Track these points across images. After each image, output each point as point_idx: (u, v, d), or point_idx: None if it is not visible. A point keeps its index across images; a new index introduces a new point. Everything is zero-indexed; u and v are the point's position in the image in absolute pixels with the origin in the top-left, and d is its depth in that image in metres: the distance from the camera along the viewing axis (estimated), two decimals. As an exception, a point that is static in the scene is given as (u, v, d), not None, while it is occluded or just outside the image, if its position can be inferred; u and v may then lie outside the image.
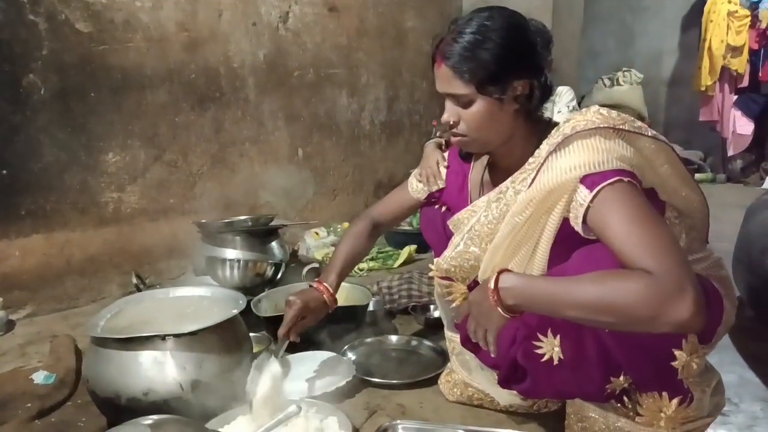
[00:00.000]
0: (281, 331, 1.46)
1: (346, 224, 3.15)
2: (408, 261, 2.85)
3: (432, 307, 2.12)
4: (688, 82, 5.70)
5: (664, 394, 1.15)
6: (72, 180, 2.26)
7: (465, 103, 1.21)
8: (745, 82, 5.32)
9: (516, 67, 1.19)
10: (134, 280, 2.13)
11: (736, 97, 5.39)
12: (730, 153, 5.46)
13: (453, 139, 1.29)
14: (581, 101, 6.26)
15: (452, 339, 1.55)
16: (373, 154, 3.46)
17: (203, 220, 2.25)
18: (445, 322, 1.60)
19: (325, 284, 1.53)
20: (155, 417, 1.15)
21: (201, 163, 2.62)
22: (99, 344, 1.39)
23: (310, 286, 1.55)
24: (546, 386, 1.27)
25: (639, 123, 1.12)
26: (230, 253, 2.11)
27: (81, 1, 2.21)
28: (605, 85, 6.16)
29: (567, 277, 1.04)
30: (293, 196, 3.05)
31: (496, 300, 1.07)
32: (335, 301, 1.54)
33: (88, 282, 2.31)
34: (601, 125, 1.08)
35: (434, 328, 2.00)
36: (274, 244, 2.29)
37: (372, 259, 2.82)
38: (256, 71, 2.79)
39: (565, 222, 1.12)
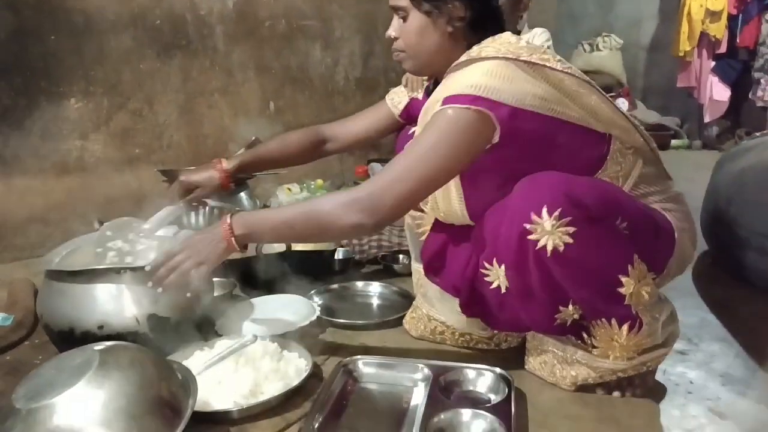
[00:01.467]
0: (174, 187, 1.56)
1: (320, 181, 3.12)
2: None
3: (401, 256, 2.11)
4: (668, 48, 5.68)
5: (613, 321, 1.16)
6: (32, 126, 2.19)
7: (404, 17, 1.27)
8: (723, 48, 5.32)
9: None
10: (96, 225, 2.08)
11: (714, 63, 5.40)
12: (707, 119, 5.48)
13: (393, 54, 1.33)
14: (561, 67, 6.25)
15: (418, 270, 1.58)
16: (348, 111, 3.34)
17: (169, 168, 2.20)
18: (413, 254, 1.62)
19: (223, 162, 1.57)
20: (108, 343, 1.13)
21: (168, 113, 2.56)
22: (53, 278, 1.37)
23: None
24: (499, 315, 1.28)
25: (547, 56, 1.17)
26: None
27: (37, -64, 2.12)
28: (585, 50, 6.12)
29: (282, 208, 1.24)
30: (264, 150, 3.00)
31: (228, 229, 1.17)
32: (227, 178, 1.58)
33: (51, 231, 2.26)
34: (507, 55, 1.14)
35: (403, 276, 2.00)
36: (242, 194, 2.27)
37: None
38: (224, 19, 2.72)
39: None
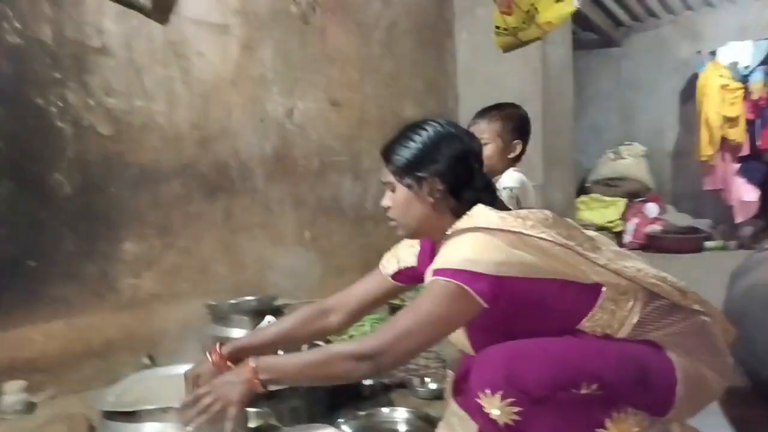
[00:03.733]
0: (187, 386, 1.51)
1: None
2: (411, 336, 2.93)
3: (428, 379, 2.20)
4: (691, 153, 5.85)
5: None
6: (92, 268, 2.45)
7: (392, 189, 1.42)
8: (746, 151, 5.46)
9: (429, 167, 1.37)
10: (145, 360, 2.27)
11: (738, 165, 5.51)
12: (738, 220, 5.51)
13: (389, 223, 1.48)
14: (587, 176, 6.45)
15: (451, 376, 1.68)
16: (379, 233, 3.62)
17: (212, 302, 2.40)
18: (448, 359, 1.74)
19: (219, 350, 1.53)
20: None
21: (212, 249, 2.81)
22: (108, 417, 1.52)
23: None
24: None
25: (517, 222, 1.27)
26: (236, 333, 2.24)
27: (103, 107, 2.48)
28: (610, 158, 6.34)
29: (301, 353, 1.36)
30: (301, 276, 3.19)
31: (252, 373, 1.29)
32: (225, 365, 1.51)
33: (105, 364, 2.45)
34: (479, 225, 1.28)
35: (429, 400, 2.09)
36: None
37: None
38: (263, 162, 3.02)
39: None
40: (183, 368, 1.78)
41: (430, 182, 1.38)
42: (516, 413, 1.19)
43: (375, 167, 3.61)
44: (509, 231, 1.26)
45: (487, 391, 1.21)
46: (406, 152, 1.38)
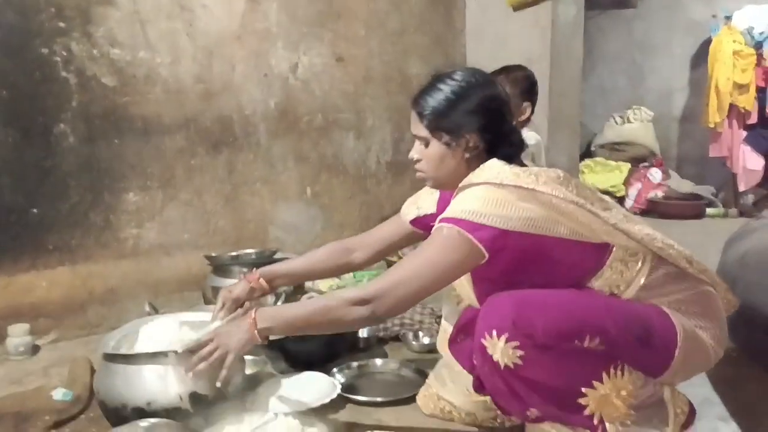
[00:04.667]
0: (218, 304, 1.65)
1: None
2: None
3: (421, 334, 2.26)
4: (698, 119, 5.79)
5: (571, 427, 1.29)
6: (96, 218, 2.49)
7: (425, 143, 1.41)
8: (754, 119, 5.39)
9: (468, 123, 1.36)
10: (147, 309, 2.32)
11: (745, 133, 5.46)
12: (741, 188, 5.49)
13: (417, 174, 1.47)
14: (593, 139, 6.41)
15: (445, 329, 1.72)
16: (380, 192, 3.65)
17: (213, 254, 2.45)
18: (443, 311, 1.76)
19: (255, 273, 1.69)
20: (152, 420, 1.32)
21: (214, 202, 2.84)
22: (109, 360, 1.58)
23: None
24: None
25: (531, 178, 1.28)
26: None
27: (107, 58, 2.48)
28: (616, 122, 6.28)
29: (303, 302, 1.37)
30: (302, 231, 3.24)
31: (252, 323, 1.35)
32: (263, 287, 1.68)
33: (107, 311, 2.52)
34: (494, 180, 1.28)
35: (422, 353, 2.15)
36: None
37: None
38: (267, 118, 3.02)
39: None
40: (183, 316, 1.85)
41: (467, 139, 1.37)
42: (518, 357, 1.23)
43: (379, 125, 3.62)
44: (521, 187, 1.26)
45: (494, 333, 1.25)
46: (443, 108, 1.37)
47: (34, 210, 2.34)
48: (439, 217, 1.33)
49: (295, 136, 3.16)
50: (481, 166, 1.35)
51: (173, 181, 2.70)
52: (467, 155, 1.39)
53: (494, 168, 1.32)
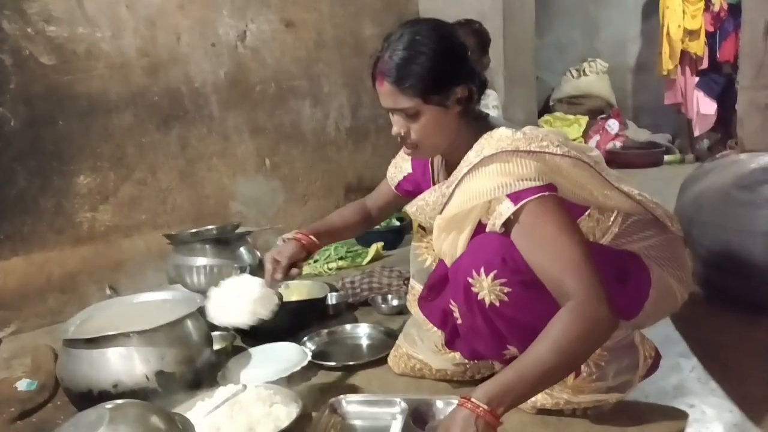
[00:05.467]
0: (269, 267, 1.54)
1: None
2: (376, 258, 2.99)
3: (390, 296, 2.27)
4: (652, 68, 5.86)
5: None
6: (46, 203, 2.41)
7: (412, 115, 1.29)
8: (705, 64, 5.48)
9: (452, 75, 1.29)
10: (108, 292, 2.27)
11: (697, 79, 5.56)
12: (696, 133, 5.61)
13: (405, 150, 1.39)
14: (551, 93, 6.46)
15: (413, 287, 1.72)
16: (341, 159, 3.61)
17: (172, 233, 2.40)
18: (411, 271, 1.74)
19: (300, 233, 1.61)
20: (118, 401, 1.29)
21: (170, 179, 2.77)
22: (70, 345, 1.55)
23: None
24: (465, 345, 1.44)
25: (545, 143, 1.24)
26: (197, 261, 2.26)
27: (43, 36, 2.36)
28: (573, 76, 6.33)
29: (524, 358, 1.13)
30: (264, 204, 3.20)
31: (489, 413, 1.06)
32: (313, 243, 1.61)
33: (68, 298, 2.46)
34: (507, 148, 1.22)
35: (391, 315, 2.16)
36: (242, 249, 2.43)
37: (341, 258, 2.96)
38: (218, 89, 2.94)
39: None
40: (142, 296, 1.81)
41: (456, 93, 1.29)
42: (505, 294, 1.24)
43: (335, 91, 3.56)
44: (535, 151, 1.22)
45: (481, 271, 1.25)
46: (430, 70, 1.26)
47: (-20, 199, 2.25)
48: (505, 196, 1.21)
49: (249, 107, 3.09)
50: (490, 135, 1.27)
51: (125, 160, 2.62)
52: (459, 108, 1.32)
53: (504, 137, 1.25)
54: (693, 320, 1.91)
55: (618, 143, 5.85)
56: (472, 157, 1.27)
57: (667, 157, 5.64)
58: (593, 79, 6.19)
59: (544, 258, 1.19)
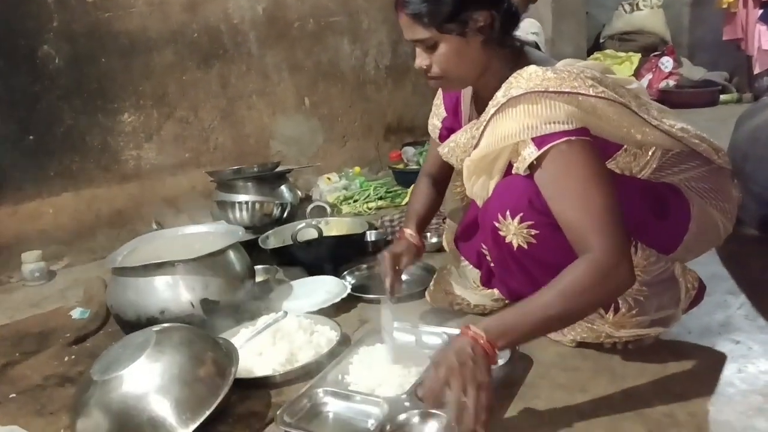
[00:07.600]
0: (387, 282, 1.47)
1: (357, 168, 3.29)
2: (415, 197, 2.97)
3: (428, 234, 2.25)
4: (712, 1, 5.52)
5: None
6: (93, 141, 2.46)
7: (431, 46, 1.24)
8: (770, -5, 5.14)
9: (469, 1, 1.21)
10: (154, 226, 2.34)
11: (761, 11, 5.21)
12: (756, 71, 5.28)
13: (431, 83, 1.33)
14: (602, 30, 6.17)
15: (450, 225, 1.73)
16: (381, 98, 3.56)
17: (214, 170, 2.43)
18: (448, 209, 1.72)
19: (404, 230, 1.60)
20: (163, 325, 1.35)
21: (211, 118, 2.79)
22: (119, 274, 1.60)
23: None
24: (501, 284, 1.43)
25: (577, 82, 1.15)
26: (239, 197, 2.30)
27: (83, -29, 2.37)
28: (625, 11, 6.02)
29: (530, 300, 1.10)
30: (303, 143, 3.20)
31: (486, 344, 1.04)
32: (420, 240, 1.59)
33: (117, 233, 2.54)
34: (536, 89, 1.14)
35: (430, 252, 2.15)
36: (283, 187, 2.46)
37: (380, 198, 2.96)
38: (256, 25, 2.91)
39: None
40: (188, 230, 1.85)
41: (477, 20, 1.22)
42: (532, 236, 1.22)
43: (374, 27, 3.48)
44: (566, 92, 1.14)
45: (507, 214, 1.23)
46: None
47: (30, 137, 2.31)
48: (530, 140, 1.15)
49: (287, 44, 3.05)
50: (518, 73, 1.18)
51: (166, 98, 2.64)
52: (483, 37, 1.24)
53: (535, 74, 1.16)
54: (742, 259, 1.85)
55: (671, 82, 5.59)
56: (499, 97, 1.20)
57: (723, 97, 5.36)
58: (647, 14, 5.87)
59: (566, 208, 1.13)
